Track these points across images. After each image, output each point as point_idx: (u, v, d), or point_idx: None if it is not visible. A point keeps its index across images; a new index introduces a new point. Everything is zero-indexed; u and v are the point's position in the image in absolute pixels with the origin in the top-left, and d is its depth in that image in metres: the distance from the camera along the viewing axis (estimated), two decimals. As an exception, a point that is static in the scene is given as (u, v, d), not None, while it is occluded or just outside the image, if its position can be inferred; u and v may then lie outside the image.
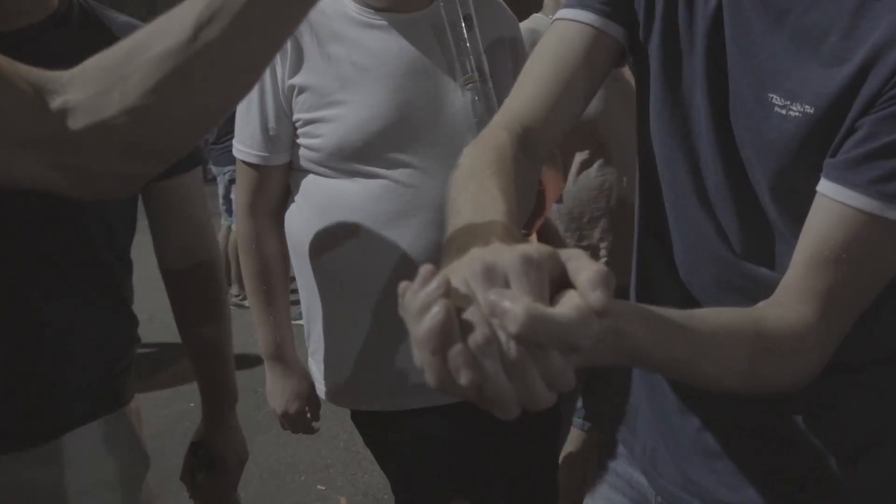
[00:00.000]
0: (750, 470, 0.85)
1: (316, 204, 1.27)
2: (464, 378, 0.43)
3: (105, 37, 1.03)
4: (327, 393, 1.37)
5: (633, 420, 0.98)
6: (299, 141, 1.27)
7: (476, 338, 0.43)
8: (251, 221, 1.34)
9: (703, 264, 0.83)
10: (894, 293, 0.72)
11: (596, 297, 0.44)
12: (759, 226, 0.78)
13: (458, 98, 1.22)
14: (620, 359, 0.53)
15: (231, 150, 1.36)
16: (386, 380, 1.27)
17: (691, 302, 0.85)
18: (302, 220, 1.30)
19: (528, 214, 0.83)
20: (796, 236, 0.72)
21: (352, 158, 1.21)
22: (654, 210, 0.89)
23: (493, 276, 0.46)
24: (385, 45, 1.24)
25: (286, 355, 1.39)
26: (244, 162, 1.32)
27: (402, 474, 1.37)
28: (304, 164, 1.27)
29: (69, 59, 0.65)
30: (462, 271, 0.47)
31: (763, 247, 0.79)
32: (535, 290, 0.45)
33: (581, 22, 0.83)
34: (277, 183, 1.32)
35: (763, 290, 0.73)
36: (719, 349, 0.61)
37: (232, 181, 4.56)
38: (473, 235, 0.55)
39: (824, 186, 0.68)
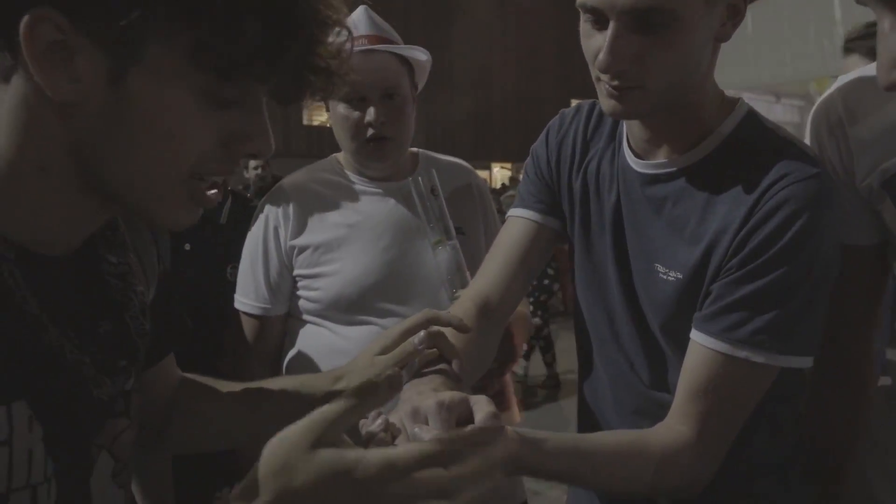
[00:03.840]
0: None
1: (315, 350, 1.47)
2: None
3: None
4: None
5: None
6: (299, 293, 1.49)
7: None
8: (249, 367, 1.54)
9: (623, 396, 1.06)
10: (764, 412, 0.93)
11: (481, 418, 0.72)
12: (659, 361, 1.01)
13: (431, 256, 1.47)
14: (518, 473, 0.79)
15: None
16: None
17: (619, 425, 1.06)
18: (301, 366, 1.49)
19: (489, 363, 1.12)
20: None
21: (348, 309, 1.44)
22: (586, 354, 1.13)
23: (417, 416, 0.73)
24: (375, 209, 1.50)
25: None
26: (246, 313, 1.54)
27: None
28: (303, 314, 1.49)
29: None
30: (400, 411, 0.76)
31: (664, 376, 1.01)
32: (443, 426, 0.72)
33: (526, 218, 1.11)
34: (276, 331, 1.54)
35: (666, 414, 0.94)
36: (609, 467, 0.85)
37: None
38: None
39: (693, 334, 0.91)
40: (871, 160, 0.95)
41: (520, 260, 1.10)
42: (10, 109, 0.62)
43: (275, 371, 1.55)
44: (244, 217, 1.66)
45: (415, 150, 1.61)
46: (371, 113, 1.43)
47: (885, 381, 1.03)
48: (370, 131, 1.44)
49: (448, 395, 0.76)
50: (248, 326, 1.55)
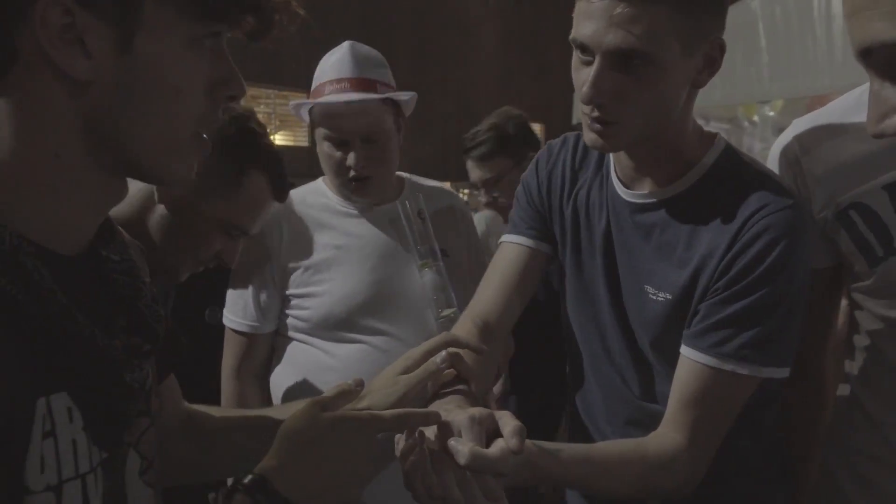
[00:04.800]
0: None
1: (302, 367, 1.53)
2: (435, 493, 0.76)
3: None
4: None
5: None
6: (288, 312, 1.54)
7: (441, 467, 0.77)
8: (237, 383, 1.58)
9: (616, 407, 1.15)
10: (747, 417, 1.03)
11: (513, 442, 0.79)
12: (649, 374, 1.11)
13: (417, 277, 1.54)
14: (538, 481, 0.88)
15: None
16: None
17: (612, 435, 1.15)
18: (289, 382, 1.54)
19: (490, 381, 1.19)
20: (672, 379, 1.04)
21: (336, 327, 1.50)
22: (577, 369, 1.22)
23: (451, 430, 0.81)
24: (362, 231, 1.57)
25: None
26: (234, 330, 1.57)
27: None
28: (291, 332, 1.54)
29: None
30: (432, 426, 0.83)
31: (653, 388, 1.11)
32: (475, 439, 0.80)
33: (519, 244, 1.20)
34: (264, 349, 1.58)
35: (656, 423, 1.04)
36: (617, 472, 0.95)
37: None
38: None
39: (683, 349, 1.01)
40: (825, 194, 1.07)
41: (515, 283, 1.19)
42: (16, 102, 0.63)
43: (262, 388, 1.59)
44: None
45: (400, 174, 1.68)
46: (352, 157, 1.50)
47: (844, 389, 1.15)
48: (352, 172, 1.51)
49: (477, 411, 0.84)
50: (234, 343, 1.58)
